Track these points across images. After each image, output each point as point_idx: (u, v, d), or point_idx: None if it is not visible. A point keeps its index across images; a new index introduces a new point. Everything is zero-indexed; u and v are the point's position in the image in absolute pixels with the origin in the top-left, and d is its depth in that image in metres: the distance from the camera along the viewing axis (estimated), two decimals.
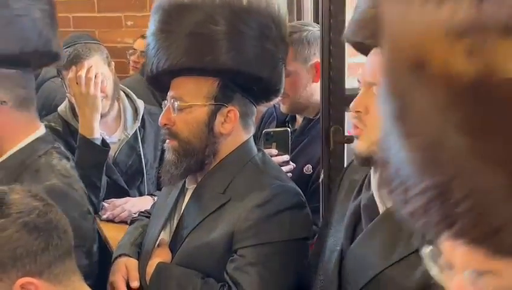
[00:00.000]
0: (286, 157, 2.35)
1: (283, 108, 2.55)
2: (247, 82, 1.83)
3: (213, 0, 1.77)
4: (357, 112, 1.44)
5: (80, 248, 1.72)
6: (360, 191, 1.58)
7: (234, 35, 1.76)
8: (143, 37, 3.93)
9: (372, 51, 1.44)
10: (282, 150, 2.35)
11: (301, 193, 1.86)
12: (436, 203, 0.69)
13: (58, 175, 1.83)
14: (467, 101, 0.62)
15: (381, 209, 1.47)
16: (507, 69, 0.58)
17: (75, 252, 1.42)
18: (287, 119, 2.63)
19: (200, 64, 1.77)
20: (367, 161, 1.45)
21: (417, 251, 1.30)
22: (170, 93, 1.83)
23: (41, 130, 1.94)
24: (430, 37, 0.63)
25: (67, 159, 1.97)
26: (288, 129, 2.43)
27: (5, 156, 1.86)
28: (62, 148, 2.02)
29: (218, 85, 1.79)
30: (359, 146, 1.45)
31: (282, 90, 1.93)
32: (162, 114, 1.85)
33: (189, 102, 1.79)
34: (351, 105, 1.46)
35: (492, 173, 0.63)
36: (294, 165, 2.37)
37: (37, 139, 1.90)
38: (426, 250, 0.82)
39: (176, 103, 1.80)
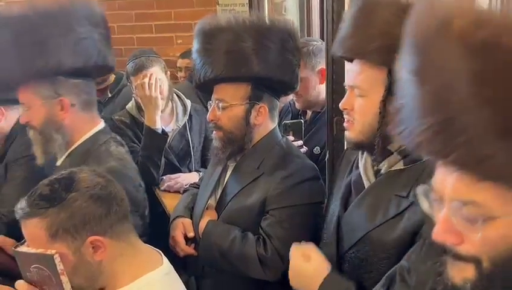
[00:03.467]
0: (300, 142, 2.34)
1: (297, 105, 2.54)
2: (273, 84, 1.82)
3: (243, 22, 1.75)
4: (345, 109, 1.44)
5: (135, 213, 1.74)
6: (352, 170, 1.57)
7: (261, 50, 1.74)
8: (182, 56, 3.91)
9: (353, 61, 1.43)
10: (298, 136, 2.35)
11: (316, 168, 1.85)
12: (439, 136, 0.69)
13: (116, 159, 1.82)
14: (474, 57, 0.64)
15: (366, 184, 1.46)
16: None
17: (132, 216, 1.41)
18: (300, 112, 2.61)
19: (237, 74, 1.76)
20: (356, 146, 1.45)
21: (393, 217, 1.33)
22: (214, 96, 1.83)
23: (101, 124, 1.94)
24: (457, 8, 0.67)
25: (122, 145, 1.96)
26: (302, 121, 2.43)
27: (75, 145, 1.86)
28: (118, 137, 2.00)
29: (251, 88, 1.79)
30: (350, 135, 1.45)
31: (298, 87, 1.91)
32: (209, 112, 1.85)
33: (230, 102, 1.79)
34: (340, 104, 1.45)
35: (487, 113, 0.64)
36: (307, 148, 2.36)
37: (98, 131, 1.90)
38: (420, 189, 0.82)
39: (219, 103, 1.80)
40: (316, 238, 1.72)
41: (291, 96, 2.54)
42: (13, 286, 1.52)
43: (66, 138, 1.85)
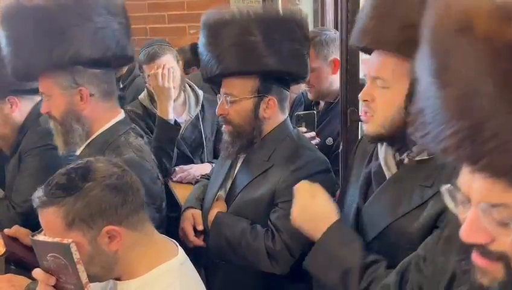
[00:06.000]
0: (313, 133, 2.33)
1: (310, 96, 2.52)
2: (281, 76, 1.80)
3: (248, 15, 1.73)
4: (365, 100, 1.38)
5: (152, 205, 1.74)
6: (370, 160, 1.53)
7: (269, 42, 1.72)
8: None
9: (374, 52, 1.37)
10: (310, 128, 2.34)
11: (327, 161, 1.84)
12: (466, 141, 0.65)
13: (134, 150, 1.81)
14: (503, 58, 0.59)
15: (387, 175, 1.42)
16: None
17: (149, 208, 1.38)
18: (313, 103, 2.60)
19: (244, 68, 1.75)
20: (376, 139, 1.40)
21: (416, 207, 1.28)
22: (222, 90, 1.82)
23: (121, 115, 1.93)
24: (477, 6, 0.61)
25: (142, 137, 1.95)
26: (314, 112, 2.41)
27: (94, 135, 1.86)
28: (138, 128, 2.00)
29: (259, 81, 1.77)
30: (369, 129, 1.39)
31: (308, 76, 1.89)
32: (218, 106, 1.84)
33: (238, 96, 1.78)
34: (360, 95, 1.39)
35: None
36: (319, 139, 2.36)
37: (118, 122, 1.89)
38: (444, 187, 0.77)
39: (228, 98, 1.79)
40: None
41: (303, 87, 2.54)
42: (27, 276, 1.55)
43: (85, 128, 1.84)
